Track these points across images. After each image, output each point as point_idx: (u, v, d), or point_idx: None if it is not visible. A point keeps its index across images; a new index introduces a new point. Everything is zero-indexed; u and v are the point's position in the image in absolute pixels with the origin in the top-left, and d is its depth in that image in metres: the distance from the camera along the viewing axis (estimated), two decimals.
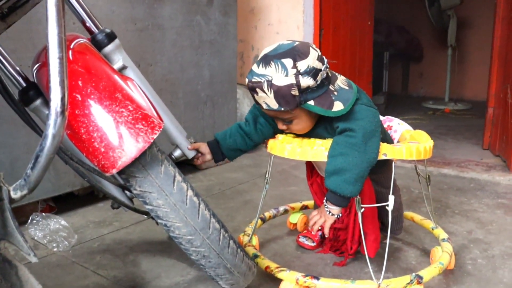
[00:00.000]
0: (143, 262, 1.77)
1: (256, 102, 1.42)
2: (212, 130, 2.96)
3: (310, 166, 1.74)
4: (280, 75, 1.32)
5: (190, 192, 1.25)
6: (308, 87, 1.34)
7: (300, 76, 1.32)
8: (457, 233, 2.02)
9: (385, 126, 1.72)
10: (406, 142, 1.51)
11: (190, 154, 1.59)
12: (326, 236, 1.47)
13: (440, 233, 1.77)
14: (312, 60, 1.33)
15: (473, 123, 4.58)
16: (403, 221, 1.81)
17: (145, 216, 1.75)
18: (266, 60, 1.35)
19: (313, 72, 1.33)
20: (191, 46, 2.75)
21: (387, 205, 1.45)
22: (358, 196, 1.43)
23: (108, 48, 1.42)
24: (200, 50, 2.81)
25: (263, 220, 1.94)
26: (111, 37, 1.42)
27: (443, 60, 6.02)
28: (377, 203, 1.59)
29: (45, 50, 1.29)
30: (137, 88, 1.22)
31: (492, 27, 3.42)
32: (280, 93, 1.33)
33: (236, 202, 2.40)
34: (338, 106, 1.37)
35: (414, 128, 1.71)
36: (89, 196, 2.37)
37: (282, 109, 1.36)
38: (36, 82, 1.33)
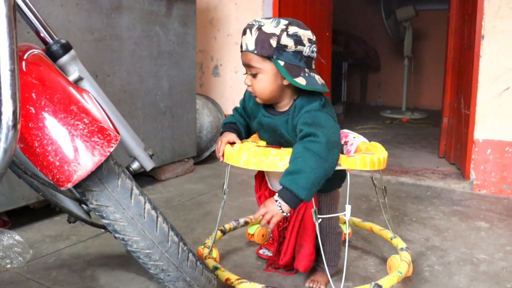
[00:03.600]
0: (101, 276, 1.73)
1: (241, 46, 1.49)
2: (171, 141, 2.93)
3: (259, 179, 1.74)
4: (271, 25, 1.43)
5: (147, 206, 1.23)
6: (286, 47, 1.42)
7: (284, 33, 1.42)
8: (414, 240, 2.06)
9: (341, 142, 1.75)
10: (361, 153, 1.53)
11: (149, 166, 1.57)
12: (270, 231, 1.46)
13: (399, 242, 1.80)
14: (303, 32, 1.45)
15: (429, 132, 4.69)
16: (337, 261, 1.69)
17: (103, 230, 1.72)
18: (273, 18, 1.47)
19: (296, 40, 1.43)
20: (150, 57, 2.73)
21: (344, 214, 1.47)
22: (315, 207, 1.44)
23: (63, 59, 1.39)
24: (159, 61, 2.79)
25: (223, 232, 1.93)
26: (66, 48, 1.40)
27: (400, 70, 6.17)
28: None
29: None
30: (93, 101, 1.20)
31: (446, 39, 3.53)
32: (261, 37, 1.42)
33: (196, 213, 2.38)
34: (301, 81, 1.43)
35: (373, 137, 1.74)
36: (45, 209, 2.31)
37: (256, 51, 1.43)
38: None
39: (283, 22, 1.44)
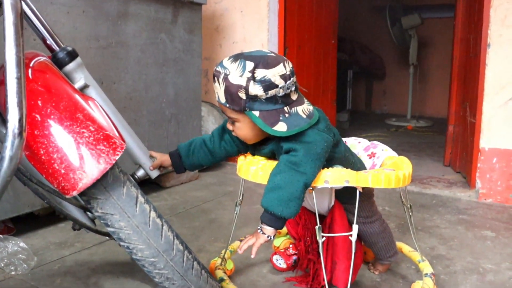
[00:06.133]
0: (105, 284, 1.73)
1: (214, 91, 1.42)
2: None
3: None
4: (236, 74, 1.31)
5: (153, 214, 1.23)
6: (256, 96, 1.32)
7: (251, 82, 1.30)
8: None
9: (368, 152, 1.70)
10: (377, 169, 1.47)
11: (154, 174, 1.57)
12: (253, 257, 1.40)
13: (425, 267, 1.70)
14: (272, 73, 1.31)
15: (434, 140, 4.68)
16: (394, 249, 1.76)
17: (107, 238, 1.72)
18: (237, 56, 1.35)
19: (266, 84, 1.31)
20: (156, 64, 2.73)
21: (351, 235, 1.42)
22: (319, 224, 1.40)
23: (70, 67, 1.39)
24: (165, 68, 2.80)
25: None
26: (72, 55, 1.40)
27: (405, 78, 6.16)
28: (358, 233, 1.52)
29: (2, 68, 1.26)
30: (98, 108, 1.20)
31: (451, 47, 3.52)
32: (229, 90, 1.33)
33: (201, 221, 2.37)
34: (281, 127, 1.34)
35: None
36: (50, 216, 2.31)
37: (228, 105, 1.36)
38: None
39: (249, 66, 1.31)
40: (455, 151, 3.43)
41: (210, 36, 3.73)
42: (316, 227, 1.41)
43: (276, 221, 1.35)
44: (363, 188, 1.44)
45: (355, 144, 1.77)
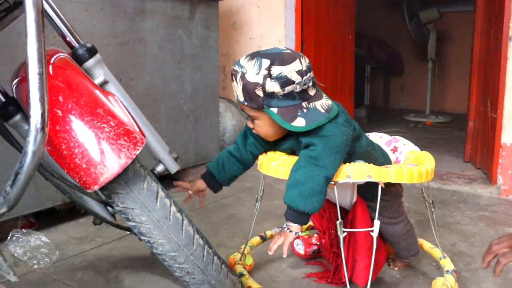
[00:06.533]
0: (126, 278, 1.74)
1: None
2: (195, 144, 2.94)
3: None
4: (253, 72, 1.33)
5: (173, 208, 1.24)
6: (273, 93, 1.33)
7: (268, 79, 1.31)
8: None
9: (391, 147, 1.69)
10: (403, 164, 1.45)
11: (173, 169, 1.58)
12: (285, 256, 1.37)
13: (446, 264, 1.68)
14: (288, 69, 1.32)
15: (454, 135, 4.62)
16: (416, 249, 1.74)
17: (128, 232, 1.73)
18: (253, 55, 1.36)
19: (283, 81, 1.32)
20: (173, 60, 2.74)
21: (372, 231, 1.41)
22: (340, 219, 1.39)
23: (89, 63, 1.40)
24: (182, 64, 2.80)
25: (264, 239, 1.90)
26: (92, 51, 1.41)
27: (423, 73, 6.09)
28: (380, 232, 1.54)
29: (24, 65, 1.27)
30: (118, 103, 1.21)
31: (471, 41, 3.47)
32: (246, 88, 1.34)
33: (219, 216, 2.38)
34: (299, 122, 1.34)
35: None
36: (71, 211, 2.34)
37: (246, 103, 1.37)
38: (15, 97, 1.31)
39: (265, 63, 1.32)
40: (475, 147, 3.39)
41: (227, 32, 3.73)
42: (337, 222, 1.40)
43: (300, 217, 1.34)
44: (390, 187, 1.42)
45: (377, 138, 1.77)
